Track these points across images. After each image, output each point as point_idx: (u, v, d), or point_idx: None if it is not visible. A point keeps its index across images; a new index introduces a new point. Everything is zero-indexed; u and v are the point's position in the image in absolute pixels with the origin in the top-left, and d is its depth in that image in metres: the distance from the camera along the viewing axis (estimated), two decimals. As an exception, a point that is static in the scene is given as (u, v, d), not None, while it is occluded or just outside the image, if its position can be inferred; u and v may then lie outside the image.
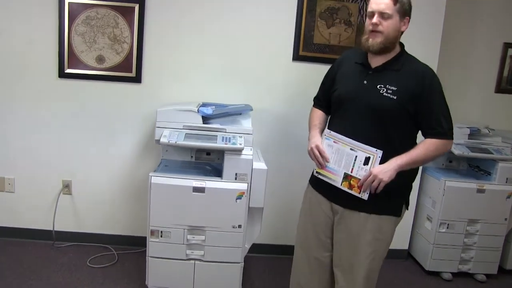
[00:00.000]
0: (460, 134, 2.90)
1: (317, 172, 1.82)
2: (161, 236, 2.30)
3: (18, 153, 2.85)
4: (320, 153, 1.77)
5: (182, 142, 2.20)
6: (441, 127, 1.69)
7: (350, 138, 1.71)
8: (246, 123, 2.42)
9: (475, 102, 3.32)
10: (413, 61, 1.76)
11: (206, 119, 2.35)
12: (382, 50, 1.71)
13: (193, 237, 2.31)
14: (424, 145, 1.70)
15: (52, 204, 2.89)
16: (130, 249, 2.93)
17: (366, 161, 1.66)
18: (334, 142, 1.74)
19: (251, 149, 2.29)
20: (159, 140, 2.23)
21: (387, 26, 1.67)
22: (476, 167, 3.09)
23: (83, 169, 2.88)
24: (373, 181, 1.64)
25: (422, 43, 2.68)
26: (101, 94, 2.78)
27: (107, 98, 2.78)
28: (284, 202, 2.97)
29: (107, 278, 2.59)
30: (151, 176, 2.24)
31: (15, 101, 2.78)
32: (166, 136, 2.23)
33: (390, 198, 1.74)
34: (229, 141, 2.24)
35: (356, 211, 1.75)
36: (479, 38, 3.22)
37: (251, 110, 2.49)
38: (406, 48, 1.80)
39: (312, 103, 2.03)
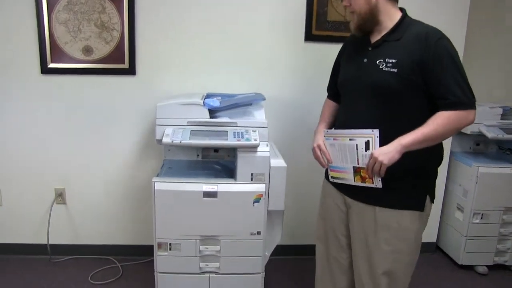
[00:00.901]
0: (491, 114, 2.65)
1: (331, 177, 1.70)
2: (170, 249, 2.02)
3: (3, 161, 2.55)
4: (322, 153, 1.67)
5: (188, 141, 1.90)
6: (453, 95, 1.43)
7: (353, 125, 1.56)
8: (259, 115, 2.13)
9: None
10: (416, 26, 1.52)
11: (213, 112, 2.05)
12: (364, 28, 1.56)
13: (207, 248, 2.03)
14: (434, 120, 1.45)
15: (45, 216, 2.60)
16: (135, 259, 2.66)
17: (367, 146, 1.51)
18: (334, 139, 1.63)
19: (267, 145, 2.00)
20: (161, 140, 1.93)
21: (354, 2, 1.54)
22: (508, 150, 2.81)
23: (77, 176, 2.59)
24: (375, 164, 1.47)
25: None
26: (91, 90, 2.47)
27: (98, 95, 2.47)
28: (301, 199, 2.69)
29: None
30: (155, 182, 1.94)
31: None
32: (169, 135, 1.93)
33: (410, 189, 1.54)
34: (242, 137, 1.94)
35: (370, 205, 1.58)
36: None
37: (264, 99, 2.19)
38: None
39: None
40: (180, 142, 1.89)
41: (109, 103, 2.48)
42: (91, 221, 2.66)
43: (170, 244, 2.01)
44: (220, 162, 2.29)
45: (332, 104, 1.85)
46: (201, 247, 2.03)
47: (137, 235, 2.68)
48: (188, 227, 1.99)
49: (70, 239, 2.68)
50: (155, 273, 2.07)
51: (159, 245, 2.02)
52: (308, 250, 2.59)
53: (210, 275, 2.08)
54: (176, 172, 2.11)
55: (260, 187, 1.98)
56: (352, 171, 1.59)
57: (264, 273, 2.11)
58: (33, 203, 2.60)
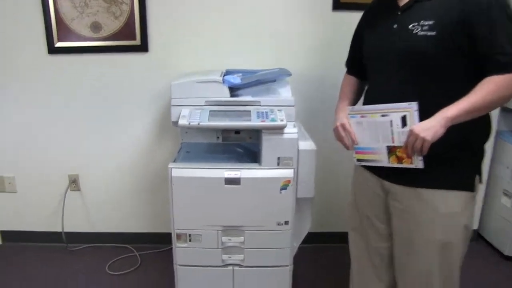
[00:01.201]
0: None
1: (357, 160, 1.50)
2: (189, 240, 1.86)
3: (16, 148, 2.42)
4: (346, 133, 1.47)
5: (206, 123, 1.71)
6: (503, 54, 1.19)
7: (385, 101, 1.35)
8: (284, 92, 1.91)
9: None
10: None
11: (233, 90, 1.85)
12: None
13: (230, 239, 1.86)
14: (481, 86, 1.22)
15: (60, 203, 2.47)
16: (153, 248, 2.51)
17: (404, 121, 1.31)
18: (361, 117, 1.43)
19: (294, 125, 1.79)
20: (176, 122, 1.75)
21: None
22: (561, 126, 2.54)
23: (90, 161, 2.44)
24: (415, 141, 1.25)
25: None
26: (102, 70, 2.29)
27: (109, 74, 2.30)
28: (331, 184, 2.49)
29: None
30: (171, 168, 1.77)
31: (2, 89, 2.31)
32: (186, 117, 1.74)
33: (457, 166, 1.33)
34: (267, 117, 1.74)
35: (412, 187, 1.38)
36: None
37: (289, 75, 1.97)
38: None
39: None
40: (198, 124, 1.70)
41: (121, 83, 2.30)
42: (106, 208, 2.52)
43: (189, 235, 1.85)
44: (242, 144, 2.10)
45: (352, 80, 1.64)
46: (224, 238, 1.86)
47: (155, 223, 2.54)
48: (209, 217, 1.82)
49: (86, 227, 2.56)
50: (174, 265, 1.91)
51: (178, 236, 1.86)
52: (337, 238, 2.45)
53: (234, 268, 1.91)
54: (194, 157, 1.93)
55: (287, 173, 1.78)
56: (385, 151, 1.38)
57: (292, 265, 1.94)
58: (47, 190, 2.48)
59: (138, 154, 2.42)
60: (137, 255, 2.46)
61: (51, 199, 2.48)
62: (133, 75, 2.29)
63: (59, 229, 2.48)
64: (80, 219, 2.53)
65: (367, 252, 1.61)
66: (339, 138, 1.51)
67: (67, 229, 2.48)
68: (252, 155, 1.95)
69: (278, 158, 1.78)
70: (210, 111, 1.78)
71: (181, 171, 1.77)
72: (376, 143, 1.40)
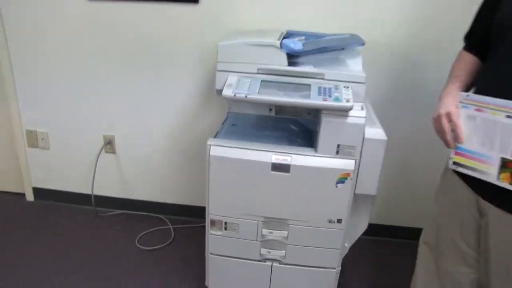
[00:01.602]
0: None
1: (454, 163, 1.16)
2: (225, 229, 1.61)
3: (50, 103, 2.24)
4: (451, 125, 1.13)
5: (256, 96, 1.41)
6: None
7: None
8: (354, 65, 1.57)
9: None
10: None
11: (292, 57, 1.53)
12: None
13: (271, 233, 1.60)
14: None
15: (93, 164, 2.29)
16: (188, 222, 2.31)
17: None
18: (476, 110, 1.09)
19: (362, 107, 1.46)
20: (221, 91, 1.46)
21: None
22: None
23: (128, 122, 2.22)
24: None
25: None
26: (146, 21, 2.02)
27: (153, 27, 2.03)
28: (394, 178, 2.15)
29: (161, 267, 1.99)
30: (210, 145, 1.50)
31: (39, 38, 2.10)
32: (232, 86, 1.45)
33: None
34: (330, 95, 1.42)
35: None
36: None
37: (362, 44, 1.62)
38: None
39: (462, 38, 1.28)
40: (246, 97, 1.41)
41: (166, 38, 2.03)
42: (142, 175, 2.33)
43: (225, 223, 1.61)
44: (298, 121, 1.80)
45: (471, 59, 1.25)
46: (264, 231, 1.60)
47: (193, 195, 2.32)
48: (250, 205, 1.56)
49: (119, 193, 2.38)
50: (206, 253, 1.69)
51: (212, 223, 1.62)
52: (395, 232, 2.22)
53: (273, 264, 1.67)
54: (240, 132, 1.66)
55: (347, 164, 1.47)
56: (498, 163, 1.04)
57: (340, 267, 1.66)
58: (81, 150, 2.31)
59: (180, 120, 2.18)
60: (171, 228, 2.27)
61: (84, 159, 2.32)
62: (180, 30, 2.01)
63: (91, 192, 2.32)
64: (113, 183, 2.36)
65: (437, 276, 1.29)
66: (440, 130, 1.16)
67: (99, 192, 2.32)
68: (308, 136, 1.65)
69: (338, 146, 1.46)
70: (261, 81, 1.48)
71: (221, 149, 1.50)
72: (488, 150, 1.07)
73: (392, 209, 2.23)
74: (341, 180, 1.48)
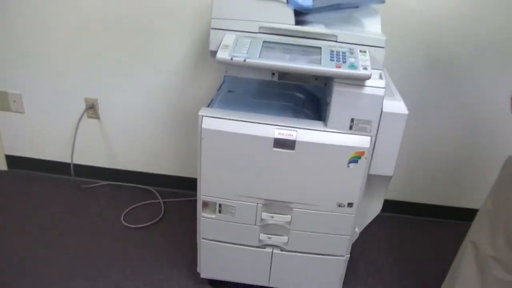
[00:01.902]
0: None
1: None
2: (219, 212, 1.42)
3: (23, 59, 1.98)
4: None
5: (256, 60, 1.19)
6: None
7: None
8: (372, 26, 1.34)
9: None
10: None
11: (300, 15, 1.29)
12: None
13: (272, 217, 1.41)
14: None
15: (74, 130, 2.07)
16: (180, 195, 2.12)
17: None
18: None
19: (381, 76, 1.24)
20: (215, 53, 1.23)
21: None
22: None
23: (113, 84, 1.99)
24: None
25: None
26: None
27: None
28: (418, 150, 1.98)
29: (148, 249, 1.81)
30: (202, 116, 1.28)
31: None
32: (229, 47, 1.22)
33: None
34: (344, 60, 1.19)
35: None
36: None
37: (382, 1, 1.38)
38: None
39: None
40: (245, 61, 1.18)
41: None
42: (129, 143, 2.12)
43: (219, 205, 1.41)
44: (304, 87, 1.59)
45: None
46: (264, 215, 1.41)
47: (185, 166, 2.13)
48: (248, 186, 1.36)
49: (103, 162, 2.18)
50: (198, 237, 1.51)
51: (205, 204, 1.43)
52: (418, 210, 2.09)
53: (273, 251, 1.49)
54: (237, 100, 1.45)
55: (362, 141, 1.27)
56: None
57: (349, 255, 1.49)
58: (60, 114, 2.09)
59: (171, 83, 1.95)
60: (161, 202, 2.09)
61: (64, 125, 2.10)
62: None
63: (74, 161, 2.11)
64: (97, 152, 2.15)
65: (481, 282, 1.12)
66: None
67: (81, 161, 2.11)
68: (315, 106, 1.45)
69: (352, 120, 1.25)
70: (264, 42, 1.24)
71: (215, 122, 1.28)
72: None
73: (410, 185, 2.08)
74: (354, 160, 1.28)
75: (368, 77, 1.17)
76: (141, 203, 2.07)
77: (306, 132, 1.26)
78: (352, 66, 1.17)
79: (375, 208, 1.47)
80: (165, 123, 2.03)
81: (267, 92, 1.55)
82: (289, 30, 1.25)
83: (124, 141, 2.11)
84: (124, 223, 1.93)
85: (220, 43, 1.24)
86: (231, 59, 1.18)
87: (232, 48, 1.21)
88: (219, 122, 1.28)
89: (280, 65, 1.18)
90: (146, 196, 2.12)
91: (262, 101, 1.45)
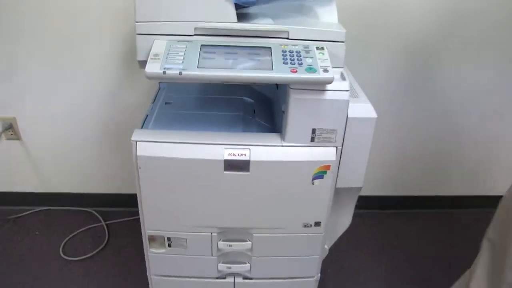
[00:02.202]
0: None
1: None
2: (169, 245, 1.22)
3: None
4: None
5: (195, 72, 0.97)
6: None
7: None
8: (327, 16, 1.15)
9: None
10: None
11: (242, 8, 1.09)
12: None
13: (230, 246, 1.23)
14: None
15: (-7, 155, 1.78)
16: (124, 214, 1.90)
17: None
18: None
19: (343, 76, 1.06)
20: (145, 63, 1.00)
21: None
22: None
23: (32, 100, 1.71)
24: None
25: None
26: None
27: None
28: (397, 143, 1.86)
29: (94, 283, 1.58)
30: (136, 142, 1.06)
31: None
32: (160, 57, 0.99)
33: None
34: (300, 62, 1.00)
35: None
36: None
37: (336, -15, 1.19)
38: None
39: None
40: (180, 73, 0.96)
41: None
42: (60, 162, 1.87)
43: (169, 239, 1.21)
44: (253, 89, 1.39)
45: None
46: (221, 244, 1.22)
47: (125, 181, 1.88)
48: (199, 215, 1.17)
49: (33, 186, 1.91)
50: (148, 275, 1.30)
51: (151, 239, 1.22)
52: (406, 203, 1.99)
53: (235, 280, 1.32)
54: (176, 114, 1.24)
55: (327, 153, 1.09)
56: None
57: (319, 274, 1.33)
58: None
59: (99, 92, 1.70)
60: (104, 225, 1.85)
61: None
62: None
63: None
64: (24, 176, 1.87)
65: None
66: None
67: (7, 188, 1.84)
68: (268, 111, 1.27)
69: (314, 131, 1.07)
70: (202, 46, 1.03)
71: (152, 147, 1.07)
72: None
73: (396, 178, 1.98)
74: (319, 175, 1.11)
75: (330, 81, 0.98)
76: (82, 229, 1.82)
77: (261, 150, 1.07)
78: (310, 68, 0.99)
79: (345, 221, 1.32)
80: (97, 137, 1.78)
81: (211, 100, 1.34)
82: (231, 29, 1.04)
83: (53, 161, 1.84)
84: (64, 256, 1.68)
85: (149, 53, 1.02)
86: (164, 72, 0.96)
87: (164, 58, 0.99)
88: (157, 147, 1.07)
89: (225, 75, 0.97)
90: (86, 220, 1.87)
91: (206, 113, 1.25)
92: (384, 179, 1.95)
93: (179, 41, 1.04)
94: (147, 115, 1.23)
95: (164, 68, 0.96)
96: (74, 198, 1.91)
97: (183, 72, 0.96)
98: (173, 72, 0.96)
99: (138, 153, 1.06)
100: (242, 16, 1.07)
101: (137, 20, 1.03)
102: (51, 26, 1.55)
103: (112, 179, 1.88)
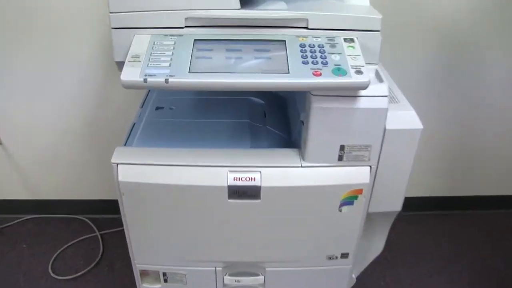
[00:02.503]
0: None
1: None
2: (165, 281, 1.01)
3: None
4: None
5: (186, 78, 0.73)
6: None
7: None
8: (357, -2, 0.89)
9: None
10: None
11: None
12: None
13: (238, 281, 1.01)
14: None
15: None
16: (118, 221, 1.66)
17: None
18: None
19: (378, 75, 0.81)
20: (122, 64, 0.76)
21: None
22: None
23: (11, 102, 1.48)
24: None
25: None
26: None
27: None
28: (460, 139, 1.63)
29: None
30: (117, 164, 0.84)
31: None
32: (140, 58, 0.75)
33: None
34: (324, 60, 0.76)
35: None
36: None
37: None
38: None
39: None
40: (166, 81, 0.72)
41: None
42: (47, 168, 1.65)
43: (164, 274, 0.99)
44: (266, 96, 1.15)
45: None
46: (227, 279, 1.01)
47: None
48: (199, 248, 0.95)
49: (20, 193, 1.70)
50: (141, 312, 1.09)
51: (144, 273, 1.01)
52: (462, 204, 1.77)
53: (246, 317, 1.09)
54: (168, 123, 1.01)
55: (358, 175, 0.86)
56: None
57: (345, 306, 1.11)
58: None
59: (84, 92, 1.48)
60: (98, 236, 1.65)
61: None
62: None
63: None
64: (10, 183, 1.67)
65: None
66: None
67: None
68: (281, 115, 1.03)
69: (342, 148, 0.84)
70: (195, 41, 0.79)
71: (137, 171, 0.84)
72: None
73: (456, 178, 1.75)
74: (348, 201, 0.88)
75: (366, 86, 0.74)
76: (74, 241, 1.63)
77: (274, 172, 0.84)
78: (339, 69, 0.74)
79: (378, 246, 1.09)
80: (86, 139, 1.57)
81: (211, 102, 1.10)
82: (233, 18, 0.80)
83: (40, 166, 1.63)
84: (53, 275, 1.49)
85: (128, 50, 0.78)
86: (145, 80, 0.72)
87: (146, 60, 0.75)
88: (143, 171, 0.84)
89: (226, 82, 0.74)
90: (79, 230, 1.68)
91: (205, 121, 1.01)
92: (422, 179, 1.72)
93: (166, 35, 0.80)
94: (134, 124, 1.00)
95: (145, 75, 0.73)
96: (66, 204, 1.71)
97: (171, 80, 0.72)
98: (156, 79, 0.72)
99: (120, 178, 0.84)
100: (246, 1, 0.82)
101: (111, 11, 0.80)
102: (35, 26, 1.33)
103: (105, 184, 1.66)
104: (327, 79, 0.73)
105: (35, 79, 1.44)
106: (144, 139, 0.94)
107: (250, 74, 0.73)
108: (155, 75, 0.72)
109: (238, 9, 0.80)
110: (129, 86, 0.73)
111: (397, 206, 0.95)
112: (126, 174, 0.84)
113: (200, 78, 0.73)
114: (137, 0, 0.78)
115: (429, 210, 1.78)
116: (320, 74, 0.73)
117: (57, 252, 1.58)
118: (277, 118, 1.04)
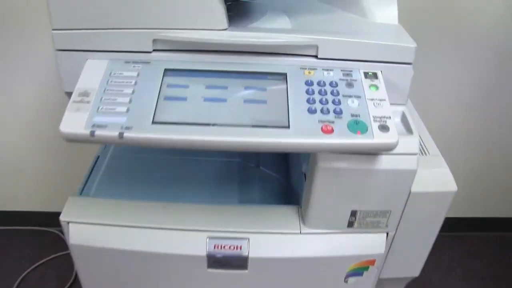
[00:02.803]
0: None
1: None
2: None
3: None
4: None
5: (145, 133, 0.54)
6: None
7: None
8: (379, 10, 0.68)
9: None
10: None
11: (236, 8, 0.63)
12: None
13: None
14: None
15: None
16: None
17: None
18: None
19: (406, 120, 0.62)
20: (70, 94, 0.57)
21: None
22: None
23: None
24: None
25: None
26: None
27: None
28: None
29: None
30: (68, 223, 0.65)
31: None
32: (90, 98, 0.56)
33: None
34: (336, 107, 0.56)
35: None
36: None
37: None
38: None
39: None
40: (121, 136, 0.53)
41: None
42: (13, 178, 1.46)
43: None
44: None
45: None
46: None
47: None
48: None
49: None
50: None
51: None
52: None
53: None
54: (138, 159, 0.81)
55: (371, 244, 0.68)
56: None
57: None
58: None
59: (51, 95, 1.26)
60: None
61: None
62: None
63: None
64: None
65: None
66: None
67: None
68: (282, 158, 0.84)
69: (354, 214, 0.65)
70: (166, 72, 0.59)
71: (92, 231, 0.66)
72: None
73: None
74: (358, 271, 0.70)
75: (393, 148, 0.55)
76: (45, 259, 1.45)
77: (266, 239, 0.66)
78: (357, 123, 0.55)
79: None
80: (57, 147, 1.38)
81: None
82: (217, 43, 0.60)
83: (8, 175, 1.44)
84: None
85: (78, 81, 0.59)
86: (92, 134, 0.53)
87: (97, 101, 0.56)
88: (101, 232, 0.66)
89: (200, 141, 0.54)
90: (50, 245, 1.50)
91: (186, 159, 0.82)
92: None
93: (127, 62, 0.60)
94: (98, 157, 0.81)
95: (93, 125, 0.53)
96: (36, 216, 1.53)
97: (126, 134, 0.53)
98: (107, 133, 0.53)
99: (71, 241, 0.66)
100: (237, 12, 0.62)
101: (55, 27, 0.59)
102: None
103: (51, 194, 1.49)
104: (341, 139, 0.53)
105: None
106: (106, 184, 0.75)
107: (235, 128, 0.54)
108: (105, 126, 0.53)
109: (224, 29, 0.60)
110: (72, 139, 0.54)
111: (415, 272, 0.78)
112: (80, 235, 0.66)
113: (167, 134, 0.53)
114: (90, 13, 0.58)
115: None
116: (332, 131, 0.54)
117: (24, 273, 1.40)
118: (273, 155, 0.85)
